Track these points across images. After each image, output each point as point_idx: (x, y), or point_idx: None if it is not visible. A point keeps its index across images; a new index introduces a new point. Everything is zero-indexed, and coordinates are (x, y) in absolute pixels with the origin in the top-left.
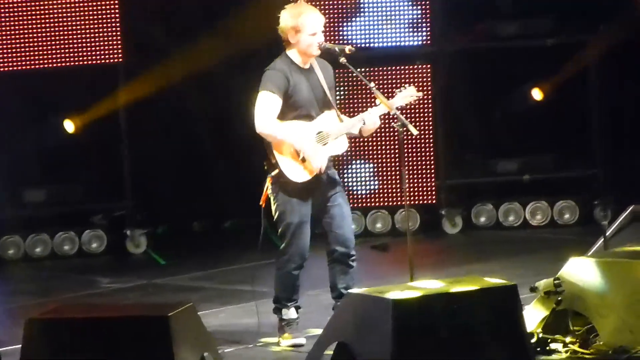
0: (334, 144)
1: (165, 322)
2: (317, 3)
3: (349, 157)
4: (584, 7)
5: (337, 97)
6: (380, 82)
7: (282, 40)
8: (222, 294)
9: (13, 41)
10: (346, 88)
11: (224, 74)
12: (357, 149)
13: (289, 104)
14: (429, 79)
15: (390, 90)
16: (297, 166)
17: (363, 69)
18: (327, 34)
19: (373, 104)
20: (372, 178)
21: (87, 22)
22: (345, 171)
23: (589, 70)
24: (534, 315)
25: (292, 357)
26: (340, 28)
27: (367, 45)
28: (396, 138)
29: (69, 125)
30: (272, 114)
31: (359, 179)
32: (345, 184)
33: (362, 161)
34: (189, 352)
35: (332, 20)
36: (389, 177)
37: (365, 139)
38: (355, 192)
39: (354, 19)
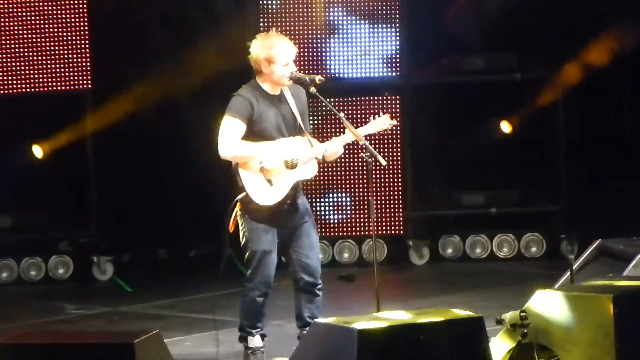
0: (303, 168)
1: (131, 349)
2: (289, 32)
3: (317, 187)
4: (548, 43)
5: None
6: (350, 112)
7: (253, 69)
8: (187, 323)
9: None
10: (316, 117)
11: (189, 102)
12: (326, 178)
13: (254, 131)
14: (397, 111)
15: (359, 120)
16: (264, 189)
17: (333, 99)
18: (298, 63)
19: (342, 134)
20: (339, 208)
21: (57, 49)
22: (313, 200)
23: (555, 105)
24: (499, 348)
25: None
26: (311, 58)
27: (338, 75)
28: (365, 168)
29: (37, 151)
30: (234, 137)
31: (326, 209)
32: (313, 212)
33: (330, 191)
34: None
35: (303, 50)
36: (357, 207)
37: (334, 168)
38: (323, 221)
39: (325, 49)
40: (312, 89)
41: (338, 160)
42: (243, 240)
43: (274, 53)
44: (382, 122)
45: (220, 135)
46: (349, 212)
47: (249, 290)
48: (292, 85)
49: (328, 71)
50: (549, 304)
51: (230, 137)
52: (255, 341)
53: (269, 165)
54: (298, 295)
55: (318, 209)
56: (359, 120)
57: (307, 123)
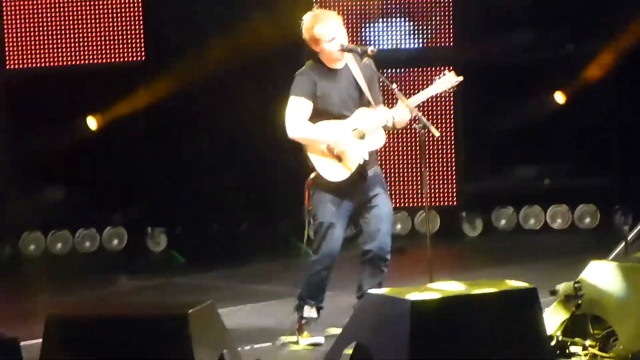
0: (371, 138)
1: (184, 320)
2: (339, 5)
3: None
4: (600, 17)
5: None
6: (402, 83)
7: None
8: (239, 293)
9: (34, 39)
10: None
11: (241, 76)
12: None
13: (319, 108)
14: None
15: (412, 91)
16: (334, 165)
17: (386, 70)
18: (350, 35)
19: (395, 105)
20: (392, 179)
21: (110, 22)
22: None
23: (608, 77)
24: (553, 319)
25: (310, 356)
26: (363, 29)
27: (390, 46)
28: (418, 139)
29: (92, 123)
30: (302, 118)
31: None
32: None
33: (383, 162)
34: (208, 350)
35: (354, 21)
36: (410, 179)
37: (389, 140)
38: None
39: (376, 20)
40: (365, 60)
41: (391, 131)
42: (311, 213)
43: (316, 33)
44: (447, 80)
45: (287, 116)
46: (402, 183)
47: (313, 262)
48: (357, 56)
49: (381, 42)
50: (603, 275)
51: (297, 118)
52: (311, 312)
53: (338, 147)
54: (363, 266)
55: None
56: (412, 92)
57: (376, 93)
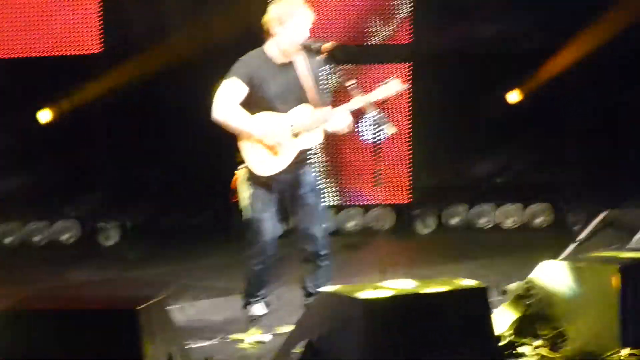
0: (306, 137)
1: (134, 315)
2: None
3: (326, 154)
4: (562, 13)
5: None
6: (360, 80)
7: (263, 32)
8: (191, 290)
9: None
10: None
11: (196, 68)
12: (334, 146)
13: (254, 98)
14: (409, 78)
15: (369, 87)
16: (264, 159)
17: (342, 66)
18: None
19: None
20: (347, 176)
21: (67, 13)
22: (322, 168)
23: (565, 75)
24: (503, 318)
25: (256, 354)
26: (322, 24)
27: (348, 42)
28: (373, 136)
29: (45, 115)
30: (231, 101)
31: (334, 176)
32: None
33: (339, 159)
34: (157, 347)
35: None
36: (364, 176)
37: (344, 137)
38: (330, 189)
39: (337, 15)
40: (321, 56)
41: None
42: (243, 207)
43: (288, 14)
44: (392, 87)
45: (215, 97)
46: (355, 180)
47: (248, 257)
48: (306, 53)
49: (339, 37)
50: (554, 275)
51: (226, 100)
52: (256, 309)
53: (270, 140)
54: (302, 265)
55: (326, 176)
56: (369, 88)
57: (323, 92)
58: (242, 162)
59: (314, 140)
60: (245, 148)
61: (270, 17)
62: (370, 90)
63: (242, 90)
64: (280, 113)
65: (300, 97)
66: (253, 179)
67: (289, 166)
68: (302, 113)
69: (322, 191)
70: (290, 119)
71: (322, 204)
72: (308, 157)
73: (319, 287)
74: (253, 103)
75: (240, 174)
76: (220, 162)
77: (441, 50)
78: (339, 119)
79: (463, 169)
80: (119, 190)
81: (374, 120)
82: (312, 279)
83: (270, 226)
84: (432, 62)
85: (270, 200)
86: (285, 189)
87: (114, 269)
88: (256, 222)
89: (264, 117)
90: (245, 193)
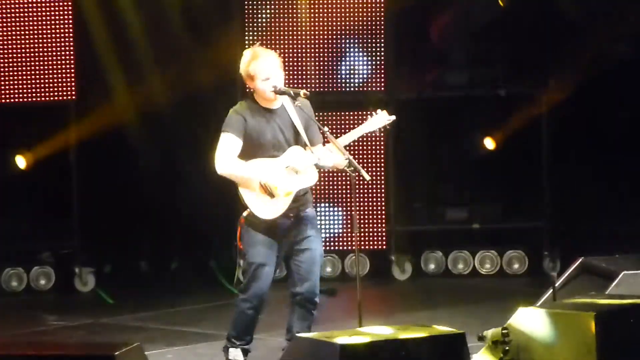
0: (303, 176)
1: None
2: (275, 45)
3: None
4: (532, 59)
5: None
6: (335, 126)
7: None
8: (168, 335)
9: None
10: None
11: (173, 114)
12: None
13: (249, 146)
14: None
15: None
16: (265, 203)
17: (318, 114)
18: (285, 77)
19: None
20: (323, 222)
21: (41, 60)
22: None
23: (538, 121)
24: None
25: None
26: (297, 72)
27: (322, 89)
28: (348, 182)
29: (21, 161)
30: (230, 154)
31: None
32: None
33: (314, 204)
34: None
35: (289, 62)
36: (340, 222)
37: (319, 183)
38: None
39: (310, 63)
40: (297, 103)
41: (322, 173)
42: (241, 253)
43: (252, 69)
44: (380, 119)
45: (217, 152)
46: (332, 226)
47: (240, 301)
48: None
49: (313, 85)
50: (531, 321)
51: (226, 154)
52: (236, 354)
53: (269, 182)
54: (293, 308)
55: None
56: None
57: (314, 133)
58: (244, 209)
59: (310, 179)
60: (246, 194)
61: (242, 73)
62: (357, 126)
63: (238, 144)
64: (274, 157)
65: (294, 140)
66: (256, 224)
67: (289, 209)
68: (296, 153)
69: (321, 236)
70: (284, 161)
71: (322, 249)
72: (308, 199)
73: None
74: (248, 151)
75: (244, 220)
76: (197, 207)
77: (415, 96)
78: (329, 158)
79: (439, 215)
80: (95, 236)
81: (349, 167)
82: (300, 325)
83: (269, 272)
84: (405, 109)
85: (271, 247)
86: (287, 234)
87: (90, 314)
88: (256, 268)
89: (261, 163)
90: (246, 236)
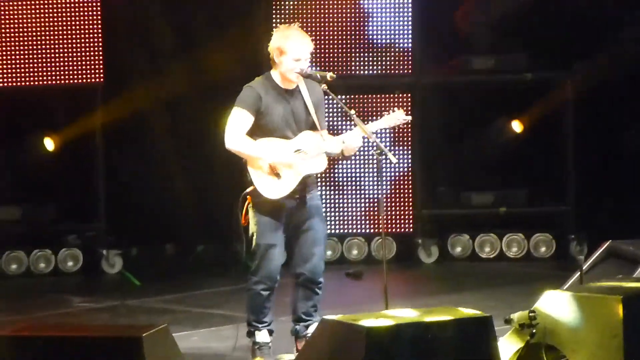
0: (312, 162)
1: (138, 343)
2: (305, 28)
3: (328, 183)
4: (559, 44)
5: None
6: (361, 109)
7: (269, 59)
8: (193, 317)
9: None
10: (327, 114)
11: (197, 98)
12: (337, 174)
13: (261, 124)
14: (408, 109)
15: (370, 118)
16: (271, 183)
17: (344, 96)
18: (310, 59)
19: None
20: (349, 205)
21: (70, 43)
22: (323, 196)
23: (565, 106)
24: (507, 348)
25: None
26: (323, 55)
27: (349, 73)
28: (375, 165)
29: (49, 144)
30: (240, 130)
31: (336, 205)
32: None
33: (341, 187)
34: None
35: (315, 47)
36: (367, 205)
37: (346, 165)
38: (332, 218)
39: (337, 46)
40: (323, 86)
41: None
42: (250, 233)
43: (287, 45)
44: (395, 117)
45: (227, 127)
46: (358, 209)
47: (253, 284)
48: (308, 80)
49: (340, 68)
50: (558, 305)
51: (236, 130)
52: (261, 336)
53: (277, 164)
54: (297, 290)
55: (328, 205)
56: (370, 118)
57: (322, 119)
58: (248, 185)
59: (318, 165)
60: (254, 172)
61: (272, 46)
62: (374, 119)
63: (249, 120)
64: (286, 138)
65: (305, 123)
66: (261, 205)
67: (294, 191)
68: (307, 139)
69: (325, 219)
70: (296, 144)
71: (325, 232)
72: (313, 182)
73: (309, 314)
74: (259, 128)
75: (250, 198)
76: (222, 191)
77: (441, 80)
78: (349, 143)
79: (465, 199)
80: (122, 218)
81: (375, 149)
82: (304, 306)
83: (278, 252)
84: (432, 93)
85: (278, 227)
86: (291, 215)
87: (117, 296)
88: (265, 248)
89: (271, 143)
90: (254, 219)
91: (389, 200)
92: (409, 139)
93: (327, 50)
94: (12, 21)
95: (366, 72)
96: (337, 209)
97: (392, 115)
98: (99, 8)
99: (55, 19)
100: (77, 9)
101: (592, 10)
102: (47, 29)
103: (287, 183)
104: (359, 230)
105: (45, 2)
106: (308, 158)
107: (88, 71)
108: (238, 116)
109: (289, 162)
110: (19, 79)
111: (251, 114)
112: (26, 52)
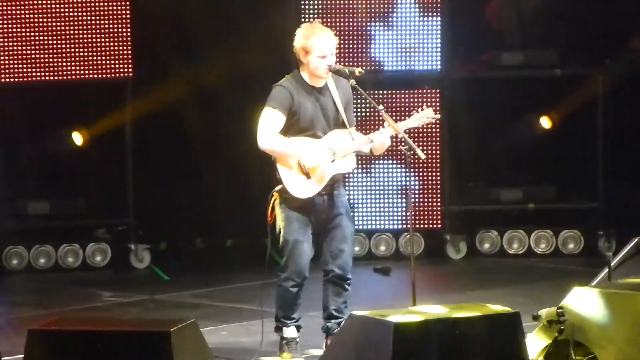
0: (342, 161)
1: (167, 337)
2: (330, 24)
3: (356, 179)
4: (589, 39)
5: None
6: (389, 105)
7: (296, 59)
8: (222, 312)
9: (22, 53)
10: (356, 110)
11: (228, 93)
12: (365, 170)
13: (292, 121)
14: (437, 105)
15: (399, 113)
16: (301, 181)
17: (373, 92)
18: (339, 55)
19: (381, 127)
20: (377, 200)
21: (99, 37)
22: (351, 192)
23: (595, 102)
24: (535, 344)
25: None
26: (352, 50)
27: (378, 68)
28: (403, 161)
29: (77, 138)
30: (273, 129)
31: (364, 201)
32: (350, 204)
33: (369, 183)
34: None
35: (344, 41)
36: (395, 201)
37: (374, 161)
38: (360, 214)
39: (366, 41)
40: (352, 82)
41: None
42: (278, 230)
43: (310, 44)
44: (424, 116)
45: (259, 126)
46: (386, 205)
47: (282, 280)
48: (336, 77)
49: (368, 63)
50: (586, 301)
51: (269, 129)
52: (289, 332)
53: (307, 163)
54: (327, 286)
55: (356, 201)
56: (398, 113)
57: (351, 116)
58: (277, 183)
59: (347, 165)
60: (283, 170)
61: (296, 47)
62: (403, 117)
63: (282, 119)
64: (316, 136)
65: (334, 120)
66: (289, 201)
67: (324, 189)
68: (336, 138)
69: (353, 215)
70: (327, 142)
71: (353, 229)
72: (341, 180)
73: (340, 311)
74: (290, 127)
75: (277, 196)
76: (252, 185)
77: (470, 76)
78: (379, 142)
79: (494, 195)
80: (150, 213)
81: (404, 145)
82: (335, 302)
83: (307, 248)
84: (461, 88)
85: (306, 224)
86: (319, 212)
87: (145, 290)
88: (293, 244)
89: (303, 141)
90: (282, 215)
91: (417, 196)
92: (438, 134)
93: (355, 45)
94: (41, 15)
95: (395, 67)
96: (365, 205)
97: (421, 113)
98: (128, 2)
99: (84, 13)
100: (106, 3)
101: (623, 5)
102: (76, 23)
103: (315, 183)
104: (387, 226)
105: None
106: (337, 158)
107: (118, 65)
108: (270, 116)
109: (318, 163)
110: (47, 74)
111: (283, 113)
112: (55, 46)
